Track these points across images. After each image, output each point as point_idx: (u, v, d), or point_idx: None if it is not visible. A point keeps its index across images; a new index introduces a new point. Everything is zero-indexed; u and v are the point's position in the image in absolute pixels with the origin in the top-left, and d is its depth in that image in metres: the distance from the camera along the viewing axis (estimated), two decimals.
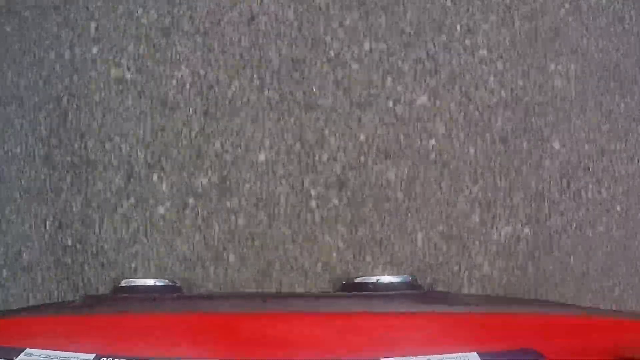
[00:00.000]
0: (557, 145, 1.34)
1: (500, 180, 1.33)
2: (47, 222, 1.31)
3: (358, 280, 0.72)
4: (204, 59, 1.34)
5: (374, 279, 0.70)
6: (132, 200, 1.30)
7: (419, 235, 1.30)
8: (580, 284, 1.30)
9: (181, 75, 1.34)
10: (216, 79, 1.34)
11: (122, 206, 1.30)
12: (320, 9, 1.36)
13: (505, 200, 1.32)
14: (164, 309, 0.64)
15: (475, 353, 0.52)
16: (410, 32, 1.35)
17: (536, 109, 1.34)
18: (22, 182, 1.32)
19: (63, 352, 0.54)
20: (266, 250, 1.29)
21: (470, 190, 1.32)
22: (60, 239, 1.31)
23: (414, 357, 0.52)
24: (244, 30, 1.35)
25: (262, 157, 1.32)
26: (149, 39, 1.35)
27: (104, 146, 1.32)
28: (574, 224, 1.33)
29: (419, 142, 1.33)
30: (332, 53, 1.34)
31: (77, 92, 1.34)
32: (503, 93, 1.35)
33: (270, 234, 1.29)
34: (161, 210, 1.30)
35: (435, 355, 0.52)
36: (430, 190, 1.31)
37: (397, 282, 0.70)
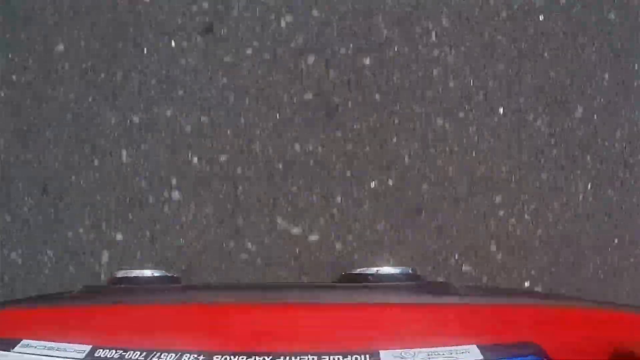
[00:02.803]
0: None
1: None
2: None
3: (357, 271, 0.71)
4: None
5: (373, 270, 0.70)
6: None
7: None
8: None
9: None
10: None
11: None
12: None
13: None
14: (161, 300, 0.64)
15: (474, 345, 0.51)
16: None
17: None
18: None
19: (60, 343, 0.53)
20: None
21: None
22: None
23: (413, 349, 0.52)
24: None
25: None
26: None
27: None
28: None
29: None
30: None
31: None
32: None
33: None
34: None
35: (435, 348, 0.52)
36: None
37: (397, 274, 0.70)
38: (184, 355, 0.52)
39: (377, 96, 1.42)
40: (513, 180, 1.40)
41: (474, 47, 1.42)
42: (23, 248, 1.41)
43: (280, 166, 1.41)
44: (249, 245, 1.39)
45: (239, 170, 1.41)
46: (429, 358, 0.51)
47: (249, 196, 1.40)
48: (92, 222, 1.41)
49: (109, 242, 1.41)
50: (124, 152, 1.42)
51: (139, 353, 0.52)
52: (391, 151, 1.41)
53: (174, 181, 1.41)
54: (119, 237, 1.41)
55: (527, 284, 1.39)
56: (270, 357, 0.51)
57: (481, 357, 0.50)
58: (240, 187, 1.40)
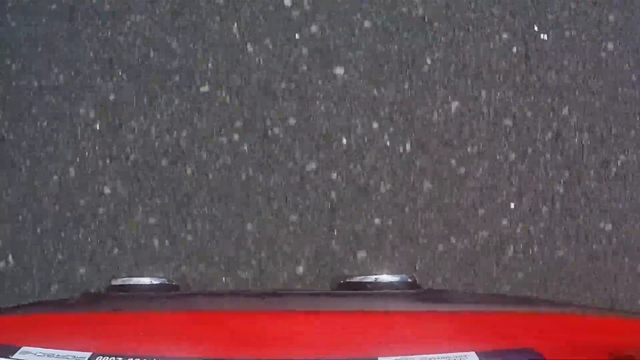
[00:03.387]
0: None
1: None
2: None
3: (356, 279, 0.71)
4: None
5: (372, 278, 0.70)
6: None
7: None
8: None
9: None
10: None
11: None
12: None
13: None
14: (161, 307, 0.64)
15: (473, 352, 0.52)
16: None
17: None
18: None
19: (59, 351, 0.53)
20: None
21: None
22: None
23: (411, 357, 0.52)
24: None
25: None
26: None
27: None
28: None
29: None
30: None
31: None
32: None
33: None
34: None
35: (433, 355, 0.52)
36: None
37: (396, 281, 0.70)
38: None
39: None
40: None
41: None
42: None
43: None
44: None
45: None
46: None
47: None
48: None
49: None
50: None
51: None
52: None
53: None
54: None
55: None
56: None
57: None
58: None
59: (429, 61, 1.40)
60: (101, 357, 0.52)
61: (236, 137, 1.39)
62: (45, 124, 1.41)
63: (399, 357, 0.52)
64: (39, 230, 1.38)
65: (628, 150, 1.38)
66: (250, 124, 1.39)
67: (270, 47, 1.41)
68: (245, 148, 1.39)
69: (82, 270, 1.37)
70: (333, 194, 1.37)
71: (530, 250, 1.35)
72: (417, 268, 1.35)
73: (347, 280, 0.72)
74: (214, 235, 1.37)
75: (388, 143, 1.38)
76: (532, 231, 1.36)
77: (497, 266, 1.35)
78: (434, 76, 1.39)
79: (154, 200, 1.38)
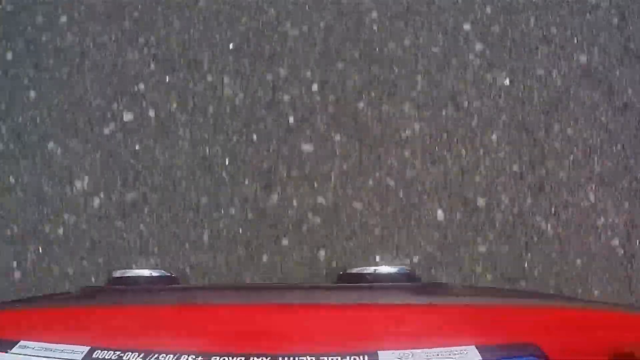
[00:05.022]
0: None
1: None
2: None
3: (355, 271, 0.71)
4: None
5: (371, 270, 0.70)
6: None
7: None
8: None
9: None
10: None
11: None
12: None
13: None
14: (160, 301, 0.64)
15: (473, 346, 0.51)
16: None
17: None
18: None
19: (57, 345, 0.53)
20: None
21: None
22: None
23: (411, 350, 0.52)
24: None
25: None
26: None
27: None
28: None
29: None
30: None
31: None
32: None
33: None
34: None
35: (433, 348, 0.52)
36: None
37: (395, 273, 0.70)
38: (182, 357, 0.51)
39: None
40: None
41: None
42: None
43: None
44: None
45: None
46: (428, 358, 0.51)
47: None
48: None
49: None
50: None
51: (137, 354, 0.52)
52: None
53: None
54: None
55: None
56: (269, 358, 0.51)
57: (480, 357, 0.50)
58: None
59: None
60: (99, 350, 0.52)
61: None
62: None
63: (399, 351, 0.51)
64: None
65: None
66: None
67: None
68: None
69: None
70: None
71: None
72: None
73: (346, 272, 0.72)
74: None
75: None
76: None
77: None
78: None
79: None
